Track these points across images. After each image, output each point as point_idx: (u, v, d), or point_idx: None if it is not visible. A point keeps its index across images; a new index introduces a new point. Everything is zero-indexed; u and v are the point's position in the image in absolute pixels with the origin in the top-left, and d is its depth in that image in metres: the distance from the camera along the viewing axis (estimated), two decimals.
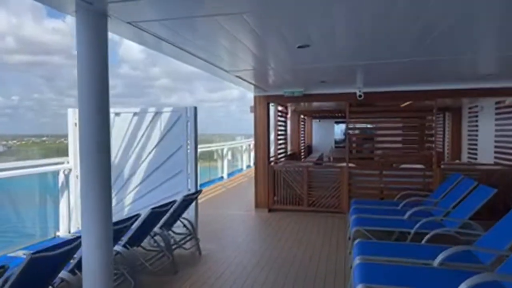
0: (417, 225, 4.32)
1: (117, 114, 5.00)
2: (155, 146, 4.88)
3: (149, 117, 4.88)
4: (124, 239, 3.52)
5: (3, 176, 4.43)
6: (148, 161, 4.91)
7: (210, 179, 11.42)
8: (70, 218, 5.18)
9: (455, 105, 9.45)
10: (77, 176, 5.16)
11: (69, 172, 5.15)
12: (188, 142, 4.77)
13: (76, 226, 5.17)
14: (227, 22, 2.77)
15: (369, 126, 8.45)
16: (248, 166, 14.29)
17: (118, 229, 3.16)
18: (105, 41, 2.28)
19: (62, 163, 5.15)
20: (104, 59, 2.25)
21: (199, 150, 10.10)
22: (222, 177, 11.98)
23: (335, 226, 5.89)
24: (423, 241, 3.93)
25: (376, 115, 6.93)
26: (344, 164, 6.80)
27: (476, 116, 8.70)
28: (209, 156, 12.01)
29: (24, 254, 3.62)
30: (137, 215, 3.24)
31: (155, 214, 3.57)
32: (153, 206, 3.56)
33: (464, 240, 4.26)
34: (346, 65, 4.44)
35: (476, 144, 8.64)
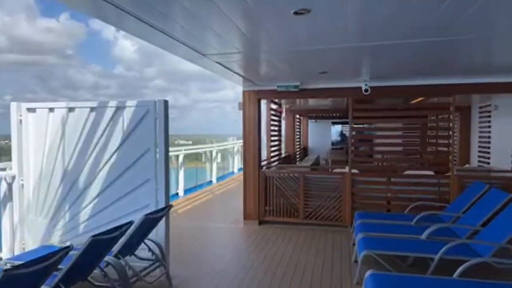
0: (443, 250, 3.44)
1: (70, 109, 4.05)
2: (117, 149, 3.93)
3: (109, 113, 3.93)
4: (58, 276, 2.59)
5: None
6: (108, 168, 3.96)
7: (197, 184, 10.47)
8: (14, 236, 4.22)
9: (463, 103, 8.61)
10: (22, 185, 4.20)
11: (12, 180, 4.19)
12: (158, 144, 3.84)
13: (21, 246, 4.21)
14: None
15: (372, 126, 7.55)
16: (240, 169, 13.37)
17: (44, 267, 2.22)
18: None
19: (4, 169, 4.20)
20: None
21: (183, 152, 9.28)
22: (211, 181, 11.05)
23: (336, 244, 4.98)
24: (455, 275, 3.04)
25: (384, 113, 6.02)
26: (346, 170, 5.91)
27: (489, 116, 7.85)
28: (196, 158, 11.08)
29: None
30: (67, 248, 2.31)
31: (98, 243, 2.63)
32: (94, 234, 2.62)
33: (501, 269, 3.40)
34: (353, 47, 3.53)
35: (489, 147, 7.80)
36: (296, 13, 2.44)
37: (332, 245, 4.94)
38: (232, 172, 13.09)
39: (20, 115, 4.16)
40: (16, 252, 4.15)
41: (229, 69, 4.83)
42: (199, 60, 4.25)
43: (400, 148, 6.16)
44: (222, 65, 4.51)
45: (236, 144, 13.54)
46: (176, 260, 4.23)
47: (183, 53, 3.95)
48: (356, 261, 4.15)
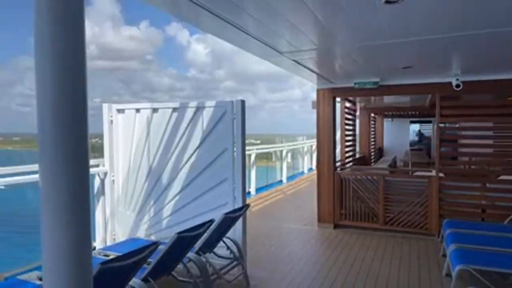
0: None
1: (155, 110, 4.28)
2: (197, 148, 4.05)
3: (189, 113, 4.06)
4: (147, 269, 2.72)
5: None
6: (189, 166, 4.11)
7: (268, 183, 10.51)
8: (106, 228, 4.59)
9: None
10: (113, 181, 4.55)
11: (105, 176, 4.56)
12: (235, 144, 3.87)
13: (111, 237, 4.57)
14: None
15: (456, 125, 6.84)
16: (310, 169, 13.16)
17: (136, 261, 2.34)
18: None
19: (97, 165, 4.58)
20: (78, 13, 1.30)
21: (254, 152, 9.36)
22: (281, 181, 11.01)
23: (422, 254, 4.57)
24: None
25: (478, 111, 5.38)
26: (431, 174, 5.41)
27: None
28: (266, 157, 11.13)
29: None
30: (156, 243, 2.40)
31: (183, 239, 2.71)
32: (179, 231, 2.69)
33: None
34: (447, 37, 3.17)
35: None
36: (387, 1, 2.24)
37: (417, 255, 4.54)
38: (302, 172, 12.91)
39: (111, 116, 4.50)
40: (108, 243, 4.51)
41: (304, 66, 4.69)
42: (272, 58, 4.17)
43: (491, 150, 5.43)
44: (297, 62, 4.40)
45: (305, 144, 13.35)
46: (251, 259, 4.23)
47: (256, 50, 3.89)
48: (447, 275, 3.76)
